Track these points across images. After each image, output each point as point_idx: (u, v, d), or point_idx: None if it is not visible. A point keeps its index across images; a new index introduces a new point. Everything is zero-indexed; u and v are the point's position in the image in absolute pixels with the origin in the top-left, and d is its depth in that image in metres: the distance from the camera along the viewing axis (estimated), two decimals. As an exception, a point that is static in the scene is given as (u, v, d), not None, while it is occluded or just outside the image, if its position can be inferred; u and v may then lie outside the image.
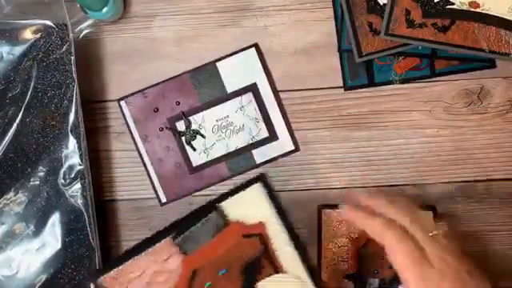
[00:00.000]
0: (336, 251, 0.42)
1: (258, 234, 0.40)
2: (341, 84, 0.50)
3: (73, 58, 0.46)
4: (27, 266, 0.46)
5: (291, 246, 0.41)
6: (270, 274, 0.41)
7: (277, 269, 0.40)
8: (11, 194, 0.46)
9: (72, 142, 0.47)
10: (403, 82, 0.50)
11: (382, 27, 0.47)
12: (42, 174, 0.47)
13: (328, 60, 0.50)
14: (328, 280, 0.42)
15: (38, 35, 0.46)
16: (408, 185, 0.51)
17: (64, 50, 0.47)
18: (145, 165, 0.50)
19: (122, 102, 0.50)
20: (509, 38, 0.46)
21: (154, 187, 0.50)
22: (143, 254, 0.38)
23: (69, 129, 0.47)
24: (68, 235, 0.47)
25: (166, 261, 0.38)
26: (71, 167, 0.47)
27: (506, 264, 0.51)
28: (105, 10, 0.48)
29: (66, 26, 0.47)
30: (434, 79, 0.50)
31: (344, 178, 0.51)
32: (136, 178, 0.51)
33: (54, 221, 0.46)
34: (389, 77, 0.50)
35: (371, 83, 0.50)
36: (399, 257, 0.36)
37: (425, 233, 0.37)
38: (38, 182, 0.47)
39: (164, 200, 0.50)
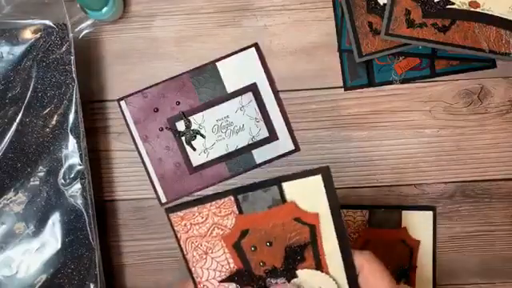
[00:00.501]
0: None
1: (310, 224, 0.40)
2: (341, 84, 0.50)
3: (72, 57, 0.46)
4: (27, 266, 0.46)
5: (339, 251, 0.41)
6: (311, 268, 0.41)
7: (319, 266, 0.41)
8: (11, 193, 0.46)
9: (72, 142, 0.47)
10: (403, 82, 0.50)
11: (382, 27, 0.47)
12: (41, 174, 0.47)
13: (328, 60, 0.50)
14: None
15: (38, 35, 0.46)
16: (408, 185, 0.51)
17: (64, 49, 0.46)
18: (145, 165, 0.50)
19: (122, 102, 0.50)
20: (509, 37, 0.46)
21: (153, 187, 0.50)
22: (208, 204, 0.39)
23: (69, 129, 0.46)
24: (68, 235, 0.46)
25: (225, 216, 0.40)
26: (71, 167, 0.47)
27: (506, 264, 0.51)
28: (105, 9, 0.48)
29: (65, 25, 0.46)
30: (434, 79, 0.50)
31: (344, 178, 0.51)
32: (136, 178, 0.51)
33: (54, 221, 0.46)
34: (389, 77, 0.50)
35: (371, 83, 0.50)
36: None
37: None
38: (37, 182, 0.47)
39: (164, 200, 0.50)
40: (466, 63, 0.50)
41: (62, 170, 0.46)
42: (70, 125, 0.46)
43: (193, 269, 0.41)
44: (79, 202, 0.46)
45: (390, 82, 0.50)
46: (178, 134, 0.50)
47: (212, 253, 0.41)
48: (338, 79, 0.50)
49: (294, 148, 0.50)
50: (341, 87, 0.50)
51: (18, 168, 0.46)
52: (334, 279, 0.41)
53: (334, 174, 0.50)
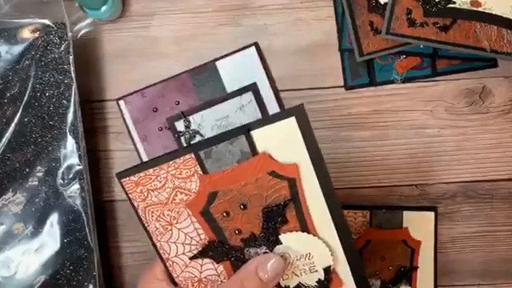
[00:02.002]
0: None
1: (289, 178, 0.33)
2: (341, 83, 0.50)
3: (71, 57, 0.46)
4: (26, 266, 0.46)
5: (326, 209, 0.34)
6: (296, 230, 0.35)
7: (305, 228, 0.35)
8: (9, 194, 0.46)
9: (70, 142, 0.46)
10: (404, 81, 0.50)
11: (383, 26, 0.47)
12: (40, 174, 0.46)
13: (329, 59, 0.50)
14: None
15: (37, 34, 0.46)
16: (409, 185, 0.50)
17: (62, 49, 0.46)
18: (144, 165, 0.50)
19: (121, 102, 0.50)
20: (510, 37, 0.46)
21: (153, 187, 0.50)
22: (165, 165, 0.34)
23: (67, 129, 0.46)
24: (66, 236, 0.46)
25: (187, 179, 0.34)
26: (70, 167, 0.46)
27: (508, 265, 0.51)
28: (103, 9, 0.48)
29: (64, 25, 0.46)
30: (435, 79, 0.50)
31: (345, 178, 0.50)
32: (135, 178, 0.50)
33: (53, 221, 0.46)
34: (390, 76, 0.50)
35: (372, 83, 0.50)
36: None
37: None
38: (36, 183, 0.46)
39: (163, 200, 0.50)
40: (467, 63, 0.49)
41: (61, 171, 0.46)
42: (68, 125, 0.46)
43: (158, 244, 0.36)
44: (78, 202, 0.46)
45: (391, 82, 0.50)
46: (177, 134, 0.50)
47: (177, 223, 0.35)
48: (339, 79, 0.50)
49: (294, 148, 0.50)
50: (341, 87, 0.50)
51: (16, 168, 0.46)
52: (324, 241, 0.35)
53: (335, 174, 0.50)
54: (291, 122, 0.33)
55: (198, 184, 0.34)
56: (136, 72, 0.50)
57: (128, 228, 0.51)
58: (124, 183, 0.35)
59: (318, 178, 0.34)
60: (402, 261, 0.50)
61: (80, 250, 0.46)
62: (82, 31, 0.51)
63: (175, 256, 0.36)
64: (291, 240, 0.35)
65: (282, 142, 0.33)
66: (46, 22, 0.46)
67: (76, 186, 0.46)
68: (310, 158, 0.33)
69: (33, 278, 0.46)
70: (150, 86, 0.50)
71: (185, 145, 0.50)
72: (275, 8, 0.50)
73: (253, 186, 0.34)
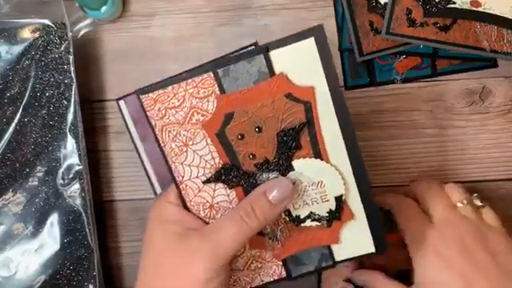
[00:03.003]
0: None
1: (305, 101, 0.33)
2: (341, 83, 0.50)
3: (71, 57, 0.46)
4: (26, 266, 0.46)
5: (340, 136, 0.33)
6: (309, 157, 0.34)
7: (318, 154, 0.34)
8: (9, 194, 0.46)
9: (71, 142, 0.46)
10: (404, 81, 0.50)
11: (383, 26, 0.47)
12: (40, 174, 0.46)
13: (328, 59, 0.50)
14: None
15: (37, 34, 0.46)
16: (408, 185, 0.50)
17: (63, 49, 0.46)
18: (144, 165, 0.50)
19: (121, 102, 0.50)
20: (510, 37, 0.46)
21: (153, 187, 0.50)
22: (184, 83, 0.33)
23: (67, 129, 0.46)
24: (66, 236, 0.46)
25: (204, 98, 0.34)
26: (70, 167, 0.46)
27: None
28: (104, 9, 0.48)
29: (64, 25, 0.46)
30: (435, 79, 0.50)
31: (345, 178, 0.50)
32: (135, 178, 0.50)
33: (53, 221, 0.46)
34: (390, 76, 0.50)
35: (372, 83, 0.50)
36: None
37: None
38: (36, 183, 0.46)
39: (163, 200, 0.50)
40: (467, 63, 0.49)
41: (61, 171, 0.46)
42: (68, 125, 0.46)
43: (172, 165, 0.36)
44: (78, 202, 0.46)
45: (391, 82, 0.50)
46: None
47: (193, 144, 0.35)
48: (339, 79, 0.50)
49: (294, 148, 0.50)
50: (341, 87, 0.50)
51: (16, 168, 0.46)
52: (336, 169, 0.35)
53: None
54: (310, 43, 0.32)
55: (214, 104, 0.34)
56: (136, 72, 0.50)
57: (128, 228, 0.51)
58: (143, 100, 0.34)
59: (333, 103, 0.33)
60: (402, 263, 0.42)
61: (80, 250, 0.46)
62: (82, 31, 0.51)
63: (189, 179, 0.36)
64: (304, 166, 0.35)
65: (299, 64, 0.32)
66: (46, 22, 0.46)
67: (76, 186, 0.46)
68: (327, 81, 0.33)
69: (33, 278, 0.46)
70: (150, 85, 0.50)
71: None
72: (275, 8, 0.50)
73: (269, 109, 0.33)
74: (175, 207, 0.37)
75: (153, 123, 0.35)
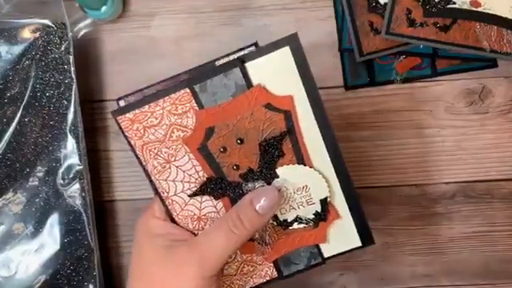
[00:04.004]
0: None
1: (284, 110, 0.33)
2: (341, 83, 0.50)
3: (71, 57, 0.46)
4: (26, 266, 0.46)
5: (322, 140, 0.34)
6: (292, 163, 0.35)
7: (301, 160, 0.35)
8: (10, 194, 0.46)
9: (71, 142, 0.46)
10: (404, 81, 0.50)
11: (383, 26, 0.47)
12: (40, 174, 0.46)
13: (328, 59, 0.50)
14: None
15: (37, 34, 0.46)
16: (409, 185, 0.50)
17: (63, 49, 0.46)
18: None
19: (121, 102, 0.50)
20: (510, 37, 0.46)
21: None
22: (161, 101, 0.33)
23: (67, 129, 0.46)
24: (67, 236, 0.46)
25: (183, 115, 0.34)
26: (70, 167, 0.46)
27: (508, 265, 0.51)
28: (104, 9, 0.48)
29: (64, 25, 0.46)
30: (435, 79, 0.50)
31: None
32: (135, 178, 0.50)
33: (53, 221, 0.46)
34: (390, 76, 0.50)
35: (372, 83, 0.50)
36: None
37: None
38: (36, 183, 0.46)
39: (163, 200, 0.50)
40: (467, 63, 0.49)
41: (61, 171, 0.46)
42: (68, 125, 0.46)
43: (156, 182, 0.36)
44: (78, 202, 0.46)
45: (391, 82, 0.50)
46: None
47: (175, 161, 0.35)
48: (339, 79, 0.50)
49: (294, 148, 0.50)
50: (341, 87, 0.50)
51: (16, 168, 0.46)
52: (320, 173, 0.35)
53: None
54: (285, 52, 0.33)
55: (194, 120, 0.34)
56: (136, 72, 0.50)
57: (128, 228, 0.51)
58: (120, 121, 0.34)
59: (312, 109, 0.33)
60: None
61: (80, 250, 0.46)
62: (83, 31, 0.51)
63: (174, 195, 0.36)
64: (288, 173, 0.35)
65: (276, 74, 0.33)
66: (47, 22, 0.46)
67: (76, 186, 0.46)
68: (305, 88, 0.33)
69: (33, 278, 0.46)
70: (150, 85, 0.50)
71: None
72: (275, 8, 0.50)
73: (249, 120, 0.34)
74: (161, 221, 0.37)
75: (132, 143, 0.35)
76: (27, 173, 0.46)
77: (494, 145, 0.50)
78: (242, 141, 0.34)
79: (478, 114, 0.50)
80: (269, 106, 0.33)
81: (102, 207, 0.51)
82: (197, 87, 0.33)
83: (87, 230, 0.46)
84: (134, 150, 0.35)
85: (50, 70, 0.46)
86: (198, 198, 0.36)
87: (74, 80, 0.46)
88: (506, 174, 0.50)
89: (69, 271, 0.46)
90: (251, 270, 0.39)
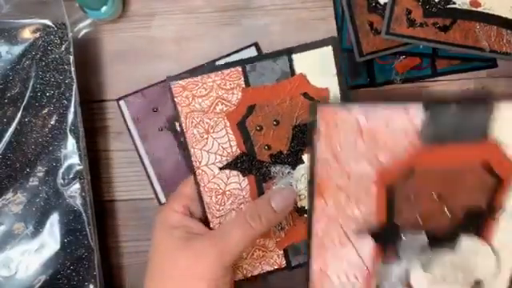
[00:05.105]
0: (339, 185, 0.32)
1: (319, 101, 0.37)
2: (341, 84, 0.50)
3: (72, 57, 0.46)
4: (26, 266, 0.46)
5: None
6: None
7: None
8: (10, 194, 0.46)
9: (71, 142, 0.46)
10: (404, 81, 0.50)
11: (383, 27, 0.47)
12: (40, 174, 0.46)
13: (328, 59, 0.50)
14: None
15: (37, 35, 0.46)
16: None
17: (63, 49, 0.46)
18: (144, 165, 0.50)
19: (121, 102, 0.50)
20: (510, 37, 0.46)
21: (153, 188, 0.50)
22: (213, 74, 0.37)
23: (68, 129, 0.46)
24: (67, 236, 0.46)
25: (230, 90, 0.37)
26: (70, 167, 0.46)
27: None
28: (104, 9, 0.48)
29: (64, 25, 0.46)
30: (435, 79, 0.50)
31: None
32: (135, 178, 0.50)
33: (53, 221, 0.46)
34: (390, 76, 0.50)
35: (372, 83, 0.50)
36: None
37: None
38: (36, 183, 0.46)
39: (163, 200, 0.50)
40: (467, 63, 0.49)
41: (61, 171, 0.46)
42: (69, 125, 0.46)
43: (192, 150, 0.38)
44: (78, 202, 0.46)
45: (391, 82, 0.50)
46: (177, 134, 0.50)
47: (214, 132, 0.38)
48: (339, 79, 0.50)
49: (294, 148, 0.50)
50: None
51: (16, 168, 0.46)
52: None
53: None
54: (328, 50, 0.37)
55: (239, 97, 0.37)
56: (136, 72, 0.50)
57: (128, 228, 0.51)
58: (173, 86, 0.37)
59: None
60: (472, 198, 0.30)
61: (80, 250, 0.46)
62: (83, 31, 0.51)
63: (205, 165, 0.38)
64: None
65: (317, 67, 0.37)
66: (47, 22, 0.46)
67: (76, 186, 0.46)
68: (339, 84, 0.37)
69: (33, 278, 0.46)
70: (150, 86, 0.50)
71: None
72: (275, 8, 0.50)
73: (287, 105, 0.37)
74: (179, 215, 0.40)
75: (179, 109, 0.38)
76: (27, 173, 0.46)
77: (493, 145, 0.50)
78: (277, 122, 0.37)
79: (477, 114, 0.50)
80: (306, 95, 0.37)
81: (102, 207, 0.51)
82: (248, 66, 0.37)
83: (87, 229, 0.46)
84: (178, 116, 0.38)
85: (50, 70, 0.46)
86: (227, 171, 0.38)
87: (74, 80, 0.46)
88: (506, 173, 0.50)
89: (69, 271, 0.46)
90: (261, 255, 0.40)
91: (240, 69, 0.37)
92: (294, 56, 0.37)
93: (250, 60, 0.37)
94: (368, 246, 0.34)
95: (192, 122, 0.38)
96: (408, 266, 0.32)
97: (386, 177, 0.30)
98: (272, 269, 0.41)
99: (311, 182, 0.33)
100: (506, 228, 0.31)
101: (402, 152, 0.29)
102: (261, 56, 0.38)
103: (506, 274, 0.34)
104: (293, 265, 0.41)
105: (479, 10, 0.46)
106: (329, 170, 0.32)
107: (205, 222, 0.40)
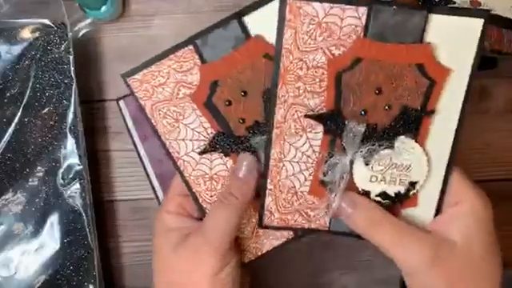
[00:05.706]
0: (298, 74, 0.33)
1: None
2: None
3: (71, 57, 0.46)
4: (26, 266, 0.46)
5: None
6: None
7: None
8: (10, 194, 0.46)
9: (71, 142, 0.46)
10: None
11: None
12: (40, 174, 0.46)
13: (328, 59, 0.50)
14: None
15: (37, 34, 0.46)
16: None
17: (63, 49, 0.46)
18: (144, 165, 0.50)
19: (121, 102, 0.50)
20: (510, 37, 0.46)
21: (153, 188, 0.50)
22: (166, 60, 0.36)
23: (67, 129, 0.46)
24: (67, 236, 0.46)
25: (188, 71, 0.36)
26: (70, 167, 0.46)
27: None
28: (104, 8, 0.48)
29: (64, 25, 0.46)
30: (435, 79, 0.50)
31: (344, 178, 0.50)
32: (135, 178, 0.50)
33: (53, 221, 0.46)
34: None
35: None
36: None
37: None
38: (36, 183, 0.46)
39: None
40: (467, 63, 0.49)
41: (61, 171, 0.46)
42: (68, 125, 0.46)
43: (167, 143, 0.37)
44: (78, 202, 0.46)
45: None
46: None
47: (183, 119, 0.37)
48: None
49: (294, 148, 0.50)
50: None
51: (16, 168, 0.46)
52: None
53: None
54: (274, 5, 0.34)
55: (198, 76, 0.35)
56: (136, 72, 0.50)
57: (128, 228, 0.51)
58: (130, 82, 0.36)
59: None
60: (409, 98, 0.34)
61: (80, 250, 0.46)
62: (82, 31, 0.51)
63: (185, 154, 0.37)
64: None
65: (273, 23, 0.34)
66: (46, 21, 0.46)
67: (76, 186, 0.46)
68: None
69: (33, 278, 0.46)
70: (150, 86, 0.50)
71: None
72: (275, 8, 0.50)
73: (250, 71, 0.35)
74: (173, 215, 0.39)
75: (142, 104, 0.37)
76: (27, 173, 0.46)
77: (494, 145, 0.50)
78: (245, 93, 0.35)
79: (477, 114, 0.50)
80: (268, 56, 0.35)
81: (102, 207, 0.51)
82: (199, 41, 0.35)
83: (87, 230, 0.46)
84: (144, 112, 0.36)
85: (50, 70, 0.46)
86: (208, 155, 0.37)
87: (74, 80, 0.46)
88: (506, 174, 0.50)
89: (69, 271, 0.46)
90: (266, 231, 0.39)
91: (192, 47, 0.35)
92: (245, 18, 0.35)
93: (199, 34, 0.35)
94: (319, 136, 0.35)
95: (159, 114, 0.37)
96: (352, 158, 0.35)
97: (336, 65, 0.33)
98: (281, 242, 0.40)
99: (277, 70, 0.34)
100: (438, 131, 0.34)
101: (351, 44, 0.33)
102: (209, 28, 0.34)
103: (439, 176, 0.36)
104: (299, 234, 0.39)
105: (479, 9, 0.46)
106: (292, 60, 0.34)
107: (200, 212, 0.39)
